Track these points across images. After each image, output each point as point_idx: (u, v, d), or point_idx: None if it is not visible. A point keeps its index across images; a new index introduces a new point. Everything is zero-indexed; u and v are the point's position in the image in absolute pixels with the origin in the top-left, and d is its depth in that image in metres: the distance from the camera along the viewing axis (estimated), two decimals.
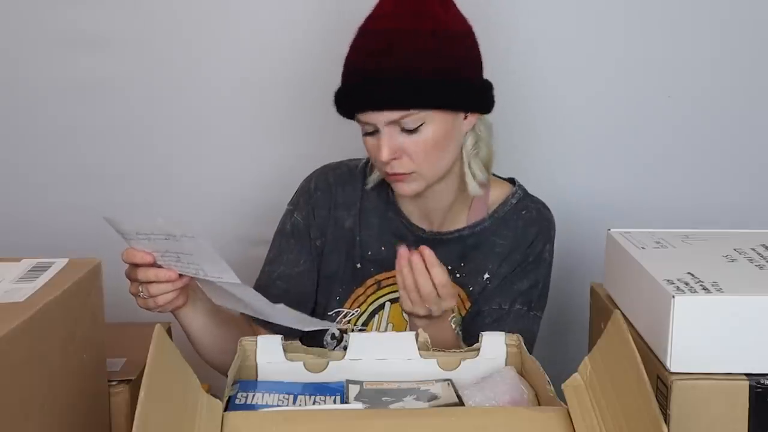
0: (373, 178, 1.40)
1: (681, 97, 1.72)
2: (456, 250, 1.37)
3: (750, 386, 0.95)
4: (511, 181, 1.43)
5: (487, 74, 1.39)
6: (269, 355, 1.09)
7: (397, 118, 1.25)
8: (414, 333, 1.10)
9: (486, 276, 1.36)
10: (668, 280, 1.00)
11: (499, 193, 1.40)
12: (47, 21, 1.69)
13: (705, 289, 0.98)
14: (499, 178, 1.43)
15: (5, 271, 1.02)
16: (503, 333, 1.11)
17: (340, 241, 1.40)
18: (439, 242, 1.35)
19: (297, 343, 1.13)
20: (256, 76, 1.72)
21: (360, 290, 1.38)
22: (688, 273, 1.03)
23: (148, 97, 1.72)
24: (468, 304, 1.36)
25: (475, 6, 1.36)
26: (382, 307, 1.38)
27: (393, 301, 1.37)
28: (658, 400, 0.83)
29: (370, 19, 1.29)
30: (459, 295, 1.34)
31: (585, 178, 1.74)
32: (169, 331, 1.28)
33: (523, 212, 1.37)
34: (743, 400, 0.95)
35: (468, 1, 1.34)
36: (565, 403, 0.92)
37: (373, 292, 1.38)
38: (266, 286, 1.37)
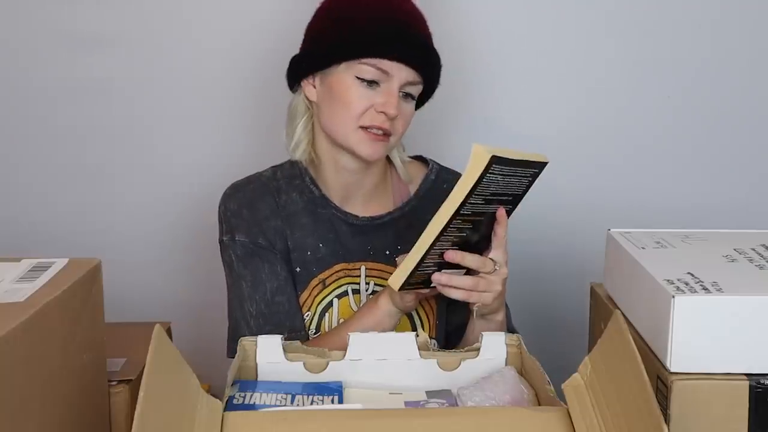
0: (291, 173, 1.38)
1: (680, 97, 1.73)
2: (390, 233, 1.37)
3: (750, 386, 0.94)
4: (420, 158, 1.44)
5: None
6: (269, 356, 1.08)
7: (413, 80, 1.28)
8: (414, 333, 1.10)
9: None
10: (668, 280, 1.00)
11: (414, 171, 1.41)
12: (48, 20, 1.69)
13: (705, 289, 0.98)
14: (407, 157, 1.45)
15: (5, 271, 1.01)
16: (503, 333, 1.10)
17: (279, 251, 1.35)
18: (373, 227, 1.37)
19: (297, 343, 1.12)
20: (259, 75, 1.71)
21: (305, 294, 1.34)
22: (688, 273, 1.03)
23: (148, 96, 1.72)
24: None
25: None
26: (330, 305, 1.34)
27: (340, 296, 1.34)
28: (658, 400, 0.83)
29: None
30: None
31: (585, 178, 1.75)
32: (168, 332, 1.28)
33: (444, 186, 1.37)
34: (743, 400, 0.94)
35: None
36: (565, 403, 0.92)
37: (319, 292, 1.34)
38: (269, 314, 1.30)
